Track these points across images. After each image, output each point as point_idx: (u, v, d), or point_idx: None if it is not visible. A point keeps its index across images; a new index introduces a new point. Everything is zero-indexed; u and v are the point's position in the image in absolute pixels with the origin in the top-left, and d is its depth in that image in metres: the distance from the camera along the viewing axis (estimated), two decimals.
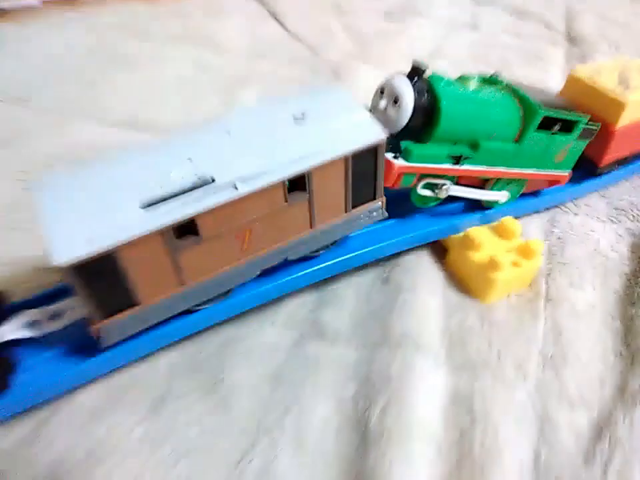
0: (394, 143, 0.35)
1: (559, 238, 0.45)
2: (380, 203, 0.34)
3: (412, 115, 0.35)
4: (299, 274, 0.34)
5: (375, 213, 0.34)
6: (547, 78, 0.67)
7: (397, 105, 0.34)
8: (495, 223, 0.43)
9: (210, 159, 0.27)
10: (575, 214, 0.47)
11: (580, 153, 0.45)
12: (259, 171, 0.27)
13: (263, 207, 0.28)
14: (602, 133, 0.44)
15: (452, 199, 0.41)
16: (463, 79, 0.39)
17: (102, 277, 0.25)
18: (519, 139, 0.40)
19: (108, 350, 0.28)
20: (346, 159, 0.30)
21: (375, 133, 0.30)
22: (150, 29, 0.70)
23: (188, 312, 0.30)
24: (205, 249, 0.27)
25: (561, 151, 0.43)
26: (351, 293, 0.38)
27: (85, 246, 0.24)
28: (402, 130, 0.35)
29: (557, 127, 0.41)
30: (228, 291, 0.31)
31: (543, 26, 0.79)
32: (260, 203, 0.28)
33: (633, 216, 0.47)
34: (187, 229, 0.26)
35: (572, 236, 0.45)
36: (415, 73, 0.35)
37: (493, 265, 0.39)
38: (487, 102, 0.38)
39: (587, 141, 0.44)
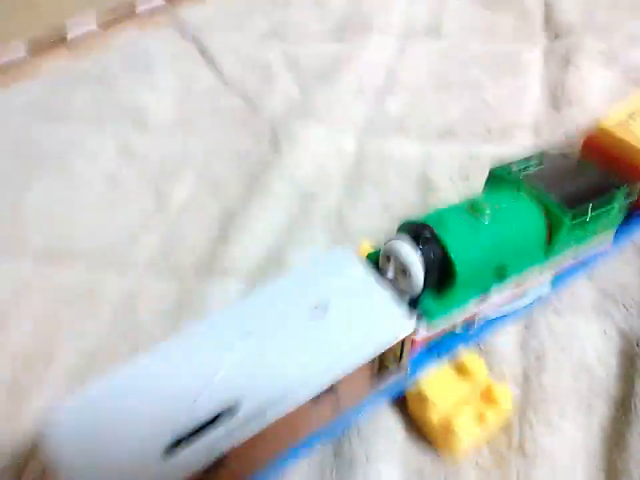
0: (411, 301, 0.32)
1: (537, 356, 0.38)
2: (404, 372, 0.33)
3: (425, 278, 0.32)
4: None
5: (399, 379, 0.34)
6: (523, 97, 0.58)
7: (406, 275, 0.32)
8: (457, 360, 0.36)
9: (232, 376, 0.26)
10: (557, 311, 0.41)
11: (622, 214, 0.40)
12: (284, 390, 0.26)
13: (289, 418, 0.27)
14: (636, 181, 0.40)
15: None
16: (474, 209, 0.34)
17: None
18: (549, 244, 0.36)
19: None
20: (374, 359, 0.29)
21: (402, 326, 0.30)
22: (66, 107, 0.62)
23: None
24: (230, 470, 0.27)
25: (603, 222, 0.39)
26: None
27: None
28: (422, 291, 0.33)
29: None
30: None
31: (517, 16, 0.68)
32: (287, 416, 0.27)
33: (624, 305, 0.40)
34: (213, 464, 0.25)
35: (553, 348, 0.39)
36: (417, 230, 0.32)
37: (451, 427, 0.33)
38: (505, 225, 0.34)
39: (628, 201, 0.39)
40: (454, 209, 0.35)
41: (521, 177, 0.37)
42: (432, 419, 0.34)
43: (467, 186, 0.50)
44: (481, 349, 0.39)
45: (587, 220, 0.36)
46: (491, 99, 0.58)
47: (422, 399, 0.35)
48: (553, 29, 0.65)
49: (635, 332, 0.39)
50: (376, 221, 0.48)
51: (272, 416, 0.26)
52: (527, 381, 0.37)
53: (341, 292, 0.30)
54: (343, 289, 0.30)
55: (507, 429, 0.35)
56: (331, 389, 0.28)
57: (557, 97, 0.57)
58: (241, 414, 0.25)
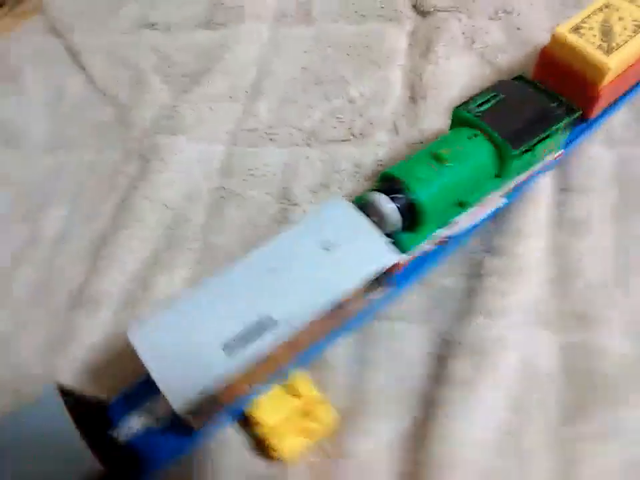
0: (391, 237, 0.42)
1: (362, 362, 0.44)
2: (392, 283, 0.43)
3: (403, 219, 0.41)
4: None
5: (387, 289, 0.43)
6: (387, 91, 0.59)
7: (383, 220, 0.41)
8: (287, 381, 0.42)
9: (266, 298, 0.37)
10: (388, 317, 0.45)
11: (566, 136, 0.48)
12: (305, 306, 0.37)
13: (308, 328, 0.38)
14: (590, 90, 0.47)
15: None
16: (438, 157, 0.42)
17: (204, 406, 0.35)
18: (501, 172, 0.45)
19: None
20: (368, 280, 0.39)
21: (389, 258, 0.39)
22: None
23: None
24: (266, 365, 0.38)
25: (547, 147, 0.46)
26: None
27: (194, 393, 0.34)
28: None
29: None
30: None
31: None
32: (307, 326, 0.37)
33: (447, 309, 0.45)
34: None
35: (379, 354, 0.44)
36: (388, 182, 0.42)
37: (274, 441, 0.39)
38: (463, 167, 0.42)
39: (571, 128, 0.47)
40: (421, 158, 0.43)
41: (476, 115, 0.45)
42: (261, 434, 0.40)
43: (328, 193, 0.53)
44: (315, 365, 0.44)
45: (533, 148, 0.44)
46: (357, 96, 0.59)
47: (252, 417, 0.40)
48: (422, 4, 0.65)
49: (454, 336, 0.44)
50: (240, 238, 0.51)
51: (297, 325, 0.36)
52: (353, 390, 0.43)
53: (342, 234, 0.40)
54: (343, 231, 0.40)
55: (331, 438, 0.41)
56: (338, 306, 0.38)
57: (415, 89, 0.58)
58: (277, 322, 0.36)
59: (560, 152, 0.49)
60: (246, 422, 0.41)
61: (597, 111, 0.50)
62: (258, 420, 0.41)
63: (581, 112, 0.47)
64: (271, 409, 0.41)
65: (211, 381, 0.34)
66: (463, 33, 0.61)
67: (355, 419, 0.42)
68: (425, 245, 0.45)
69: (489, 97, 0.46)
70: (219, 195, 0.54)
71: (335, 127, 0.57)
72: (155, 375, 0.34)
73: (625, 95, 0.53)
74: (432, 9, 0.64)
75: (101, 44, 0.67)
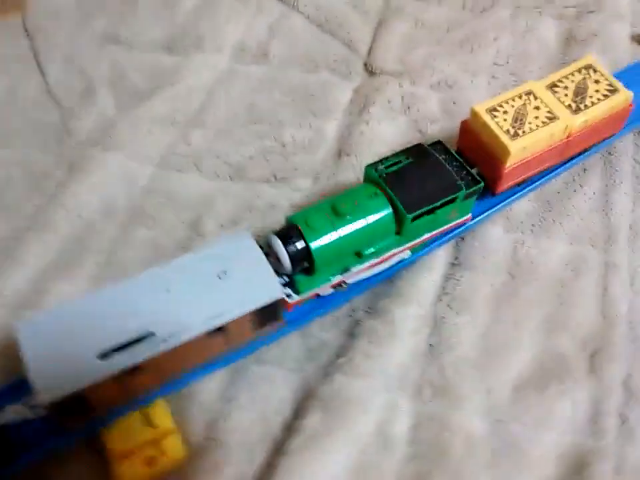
0: (289, 277, 0.46)
1: (229, 400, 0.45)
2: (281, 321, 0.46)
3: (294, 263, 0.44)
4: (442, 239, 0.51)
5: (277, 328, 0.46)
6: (319, 141, 0.61)
7: (279, 261, 0.44)
8: (144, 410, 0.43)
9: (151, 314, 0.40)
10: (261, 361, 0.47)
11: (472, 204, 0.51)
12: (187, 325, 0.40)
13: (190, 346, 0.40)
14: (496, 168, 0.50)
15: None
16: (338, 212, 0.45)
17: (70, 404, 0.38)
18: (400, 231, 0.48)
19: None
20: (254, 311, 0.42)
21: (275, 291, 0.43)
22: None
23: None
24: (144, 377, 0.40)
25: (451, 213, 0.49)
26: None
27: (60, 390, 0.37)
28: (294, 271, 0.45)
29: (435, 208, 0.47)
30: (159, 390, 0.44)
31: (344, 44, 0.70)
32: (187, 344, 0.40)
33: (318, 362, 0.47)
34: (132, 369, 0.39)
35: (246, 396, 0.45)
36: (288, 228, 0.45)
37: (118, 469, 0.40)
38: (360, 222, 0.45)
39: (475, 197, 0.50)
40: (321, 208, 0.46)
41: (382, 175, 0.48)
42: (109, 461, 0.41)
43: (235, 228, 0.55)
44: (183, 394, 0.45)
45: (431, 211, 0.47)
46: (289, 141, 0.61)
47: (101, 440, 0.41)
48: (371, 64, 0.68)
49: (317, 390, 0.45)
50: (143, 258, 0.53)
51: (178, 340, 0.39)
52: (212, 427, 0.44)
53: (238, 265, 0.43)
54: (240, 263, 0.43)
55: (177, 472, 0.42)
56: (222, 330, 0.41)
57: (343, 144, 0.60)
58: (156, 337, 0.39)
59: (467, 216, 0.52)
60: (97, 443, 0.42)
61: (502, 187, 0.53)
62: (105, 444, 0.42)
63: (482, 185, 0.49)
64: (121, 434, 0.42)
65: (79, 381, 0.37)
66: (402, 97, 0.64)
67: (205, 457, 0.43)
68: (323, 289, 0.47)
69: (399, 159, 0.49)
70: (134, 213, 0.56)
71: (261, 167, 0.59)
72: (28, 366, 0.37)
73: (532, 180, 0.56)
74: (379, 71, 0.67)
75: (64, 51, 0.69)
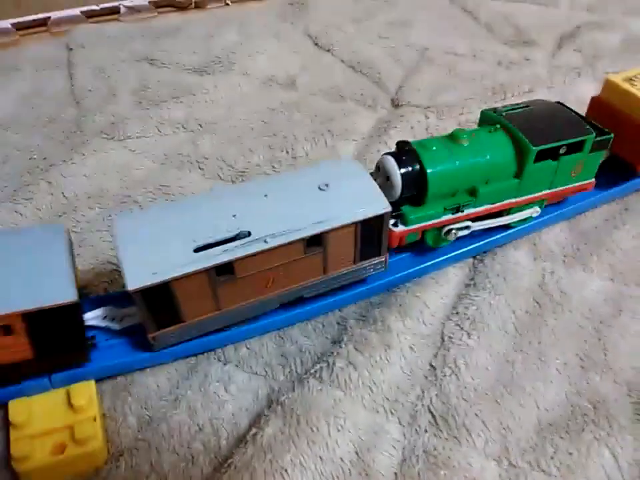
0: (395, 207, 0.40)
1: (175, 399, 0.37)
2: (383, 258, 0.41)
3: (405, 187, 0.40)
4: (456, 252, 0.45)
5: (378, 266, 0.41)
6: (332, 159, 0.57)
7: (388, 181, 0.40)
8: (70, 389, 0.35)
9: (249, 217, 0.36)
10: (224, 360, 0.39)
11: (599, 162, 0.46)
12: (285, 230, 0.35)
13: (286, 257, 0.36)
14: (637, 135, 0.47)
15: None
16: (454, 136, 0.42)
17: (159, 300, 0.34)
18: (519, 174, 0.43)
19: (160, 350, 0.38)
20: (355, 225, 0.37)
21: (381, 205, 0.38)
22: None
23: (221, 329, 0.39)
24: (237, 285, 0.36)
25: (576, 167, 0.45)
26: None
27: (150, 277, 0.33)
28: (401, 196, 0.40)
29: (562, 150, 0.43)
30: (254, 317, 0.40)
31: (373, 82, 0.70)
32: (284, 253, 0.36)
33: (273, 374, 0.38)
34: (225, 269, 0.35)
35: (199, 399, 0.37)
36: (402, 149, 0.41)
37: (16, 452, 0.32)
38: (478, 153, 0.41)
39: (604, 151, 0.46)
40: (438, 138, 0.42)
41: (503, 114, 0.44)
42: (12, 442, 0.32)
43: None
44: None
45: (556, 153, 0.43)
46: (301, 155, 0.57)
47: (11, 416, 0.33)
48: (398, 99, 0.66)
49: (281, 396, 0.36)
50: None
51: (273, 243, 0.35)
52: (149, 425, 0.35)
53: (341, 180, 0.39)
54: (342, 179, 0.39)
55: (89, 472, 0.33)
56: (321, 245, 0.37)
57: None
58: (252, 237, 0.35)
59: (591, 181, 0.47)
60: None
61: None
62: (13, 421, 0.33)
63: (612, 136, 0.45)
64: (35, 412, 0.34)
65: (170, 271, 0.33)
66: (426, 127, 0.61)
67: (128, 460, 0.34)
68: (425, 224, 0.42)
69: (519, 106, 0.46)
70: (120, 201, 0.51)
71: (266, 173, 0.55)
72: (120, 254, 0.33)
73: None
74: (405, 103, 0.65)
75: (97, 64, 0.71)
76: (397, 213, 0.41)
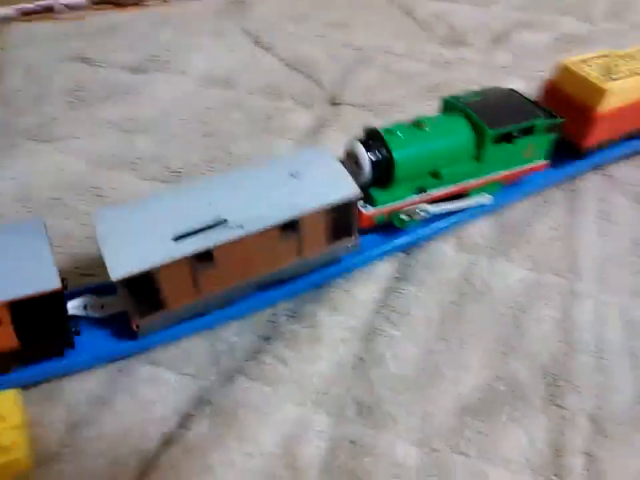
0: (364, 190, 0.42)
1: (103, 403, 0.36)
2: (354, 238, 0.43)
3: (373, 170, 0.43)
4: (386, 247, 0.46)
5: (351, 246, 0.44)
6: (269, 157, 0.58)
7: (357, 166, 0.43)
8: None
9: (225, 205, 0.37)
10: (155, 362, 0.39)
11: (550, 144, 0.50)
12: (260, 216, 0.37)
13: (262, 242, 0.38)
14: (587, 116, 0.51)
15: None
16: (418, 122, 0.45)
17: (142, 288, 0.35)
18: (478, 157, 0.47)
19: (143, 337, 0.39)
20: (327, 209, 0.39)
21: (350, 190, 0.40)
22: None
23: (201, 314, 0.40)
24: (217, 271, 0.38)
25: (528, 149, 0.48)
26: None
27: (132, 266, 0.34)
28: (370, 181, 0.43)
29: (515, 134, 0.47)
30: (232, 300, 0.41)
31: (311, 80, 0.71)
32: (260, 239, 0.38)
33: (181, 371, 0.39)
34: (205, 256, 0.36)
35: (122, 398, 0.37)
36: (370, 135, 0.44)
37: None
38: (440, 137, 0.45)
39: (554, 134, 0.49)
40: (402, 124, 0.45)
41: (461, 102, 0.48)
42: None
43: None
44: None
45: (510, 137, 0.46)
46: (239, 153, 0.58)
47: None
48: (335, 97, 0.67)
49: (210, 394, 0.37)
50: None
51: (250, 229, 0.36)
52: (73, 432, 0.35)
53: (312, 167, 0.41)
54: (313, 167, 0.41)
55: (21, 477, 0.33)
56: (294, 230, 0.39)
57: None
58: (229, 224, 0.36)
59: (543, 162, 0.51)
60: None
61: (592, 138, 0.52)
62: None
63: (561, 120, 0.48)
64: None
65: (152, 259, 0.34)
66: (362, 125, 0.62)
67: (53, 466, 0.33)
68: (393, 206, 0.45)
69: (477, 93, 0.50)
70: (49, 204, 0.50)
71: (203, 173, 0.55)
72: (102, 246, 0.34)
73: (621, 143, 0.56)
74: (343, 101, 0.66)
75: (29, 64, 0.69)
76: (366, 195, 0.44)
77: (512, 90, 0.51)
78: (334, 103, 0.67)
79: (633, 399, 0.38)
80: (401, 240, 0.47)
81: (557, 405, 0.37)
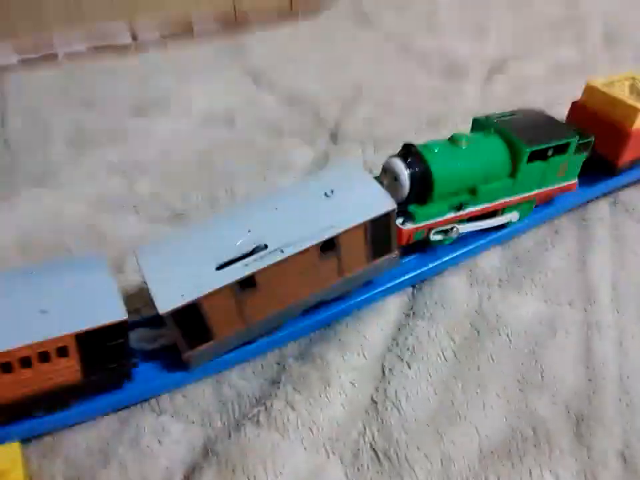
0: (403, 207, 0.44)
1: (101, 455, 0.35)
2: (395, 253, 0.43)
3: (412, 186, 0.43)
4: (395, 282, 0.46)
5: (392, 262, 0.43)
6: None
7: (396, 182, 0.43)
8: None
9: (263, 230, 0.37)
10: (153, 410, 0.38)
11: (581, 164, 0.51)
12: (299, 238, 0.37)
13: (303, 264, 0.38)
14: (620, 135, 0.52)
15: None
16: (454, 139, 0.45)
17: (189, 320, 0.36)
18: (514, 174, 0.47)
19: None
20: (365, 225, 0.39)
21: (387, 204, 0.40)
22: None
23: (249, 342, 0.41)
24: (260, 297, 0.38)
25: (561, 167, 0.49)
26: None
27: (178, 299, 0.34)
28: (407, 197, 0.43)
29: (550, 152, 0.47)
30: (278, 326, 0.41)
31: (312, 117, 0.71)
32: (300, 261, 0.38)
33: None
34: (248, 283, 0.36)
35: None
36: (408, 151, 0.44)
37: None
38: (477, 154, 0.45)
39: (585, 154, 0.50)
40: (438, 141, 0.45)
41: (493, 121, 0.48)
42: None
43: None
44: None
45: (545, 155, 0.47)
46: (242, 192, 0.57)
47: None
48: (337, 134, 0.67)
49: (216, 445, 0.35)
50: None
51: (289, 251, 0.36)
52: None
53: (345, 184, 0.41)
54: (347, 183, 0.41)
55: None
56: (334, 249, 0.39)
57: None
58: (269, 249, 0.36)
59: (574, 182, 0.51)
60: None
61: (626, 157, 0.54)
62: None
63: (593, 138, 0.49)
64: None
65: (196, 290, 0.35)
66: (364, 162, 0.62)
67: None
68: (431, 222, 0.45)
69: (507, 114, 0.51)
70: (51, 250, 0.49)
71: (205, 214, 0.55)
72: (147, 282, 0.35)
73: None
74: (343, 137, 0.66)
75: (32, 109, 0.70)
76: (404, 212, 0.44)
77: (542, 110, 0.52)
78: (335, 139, 0.67)
79: None
80: (411, 274, 0.46)
81: (585, 445, 0.35)
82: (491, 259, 0.50)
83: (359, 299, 0.44)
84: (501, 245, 0.51)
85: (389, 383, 0.39)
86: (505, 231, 0.50)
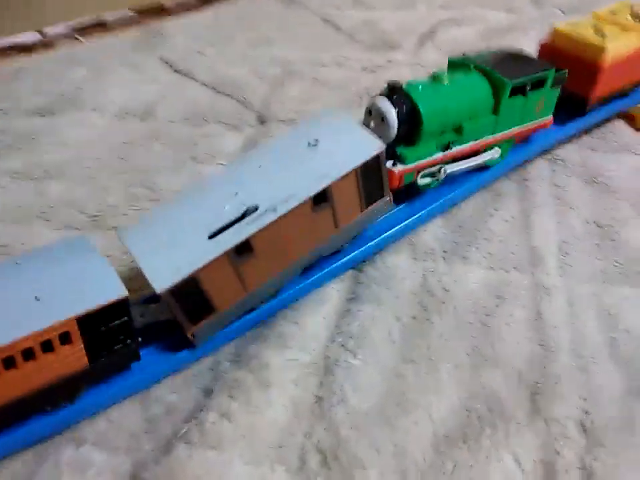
0: (390, 150, 0.42)
1: None
2: (388, 198, 0.41)
3: (399, 126, 0.41)
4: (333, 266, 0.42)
5: (385, 207, 0.42)
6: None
7: (383, 122, 0.41)
8: None
9: (251, 191, 0.35)
10: None
11: (555, 99, 0.51)
12: (289, 194, 0.35)
13: (297, 221, 0.36)
14: (590, 74, 0.52)
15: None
16: (436, 77, 0.45)
17: (189, 295, 0.33)
18: (496, 110, 0.46)
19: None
20: (355, 171, 0.37)
21: (375, 146, 0.38)
22: None
23: (252, 310, 0.38)
24: (258, 260, 0.35)
25: (539, 103, 0.49)
26: None
27: (175, 275, 0.32)
28: (395, 138, 0.42)
29: (528, 87, 0.47)
30: (279, 289, 0.39)
31: (237, 101, 0.67)
32: (294, 217, 0.35)
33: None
34: (243, 248, 0.34)
35: None
36: (393, 90, 0.42)
37: None
38: (460, 91, 0.45)
39: (559, 87, 0.50)
40: (421, 81, 0.44)
41: (471, 60, 0.47)
42: None
43: None
44: None
45: (524, 90, 0.46)
46: (164, 187, 0.53)
47: None
48: (264, 115, 0.63)
49: (146, 469, 0.31)
50: None
51: (282, 210, 0.34)
52: None
53: (328, 132, 0.39)
54: (334, 130, 0.39)
55: None
56: (327, 200, 0.37)
57: None
58: (260, 211, 0.34)
59: (549, 119, 0.51)
60: None
61: (596, 95, 0.54)
62: None
63: (567, 71, 0.49)
64: None
65: (192, 264, 0.33)
66: None
67: None
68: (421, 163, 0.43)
69: (485, 52, 0.51)
70: None
71: (125, 215, 0.50)
72: (139, 262, 0.33)
73: (615, 102, 0.58)
74: (272, 118, 0.62)
75: None
76: (392, 154, 0.42)
77: (518, 49, 0.52)
78: (263, 121, 0.63)
79: (620, 393, 0.35)
80: (350, 256, 0.43)
81: (542, 417, 0.33)
82: (433, 231, 0.47)
83: (296, 288, 0.40)
84: (442, 215, 0.49)
85: (333, 375, 0.36)
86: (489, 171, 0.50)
